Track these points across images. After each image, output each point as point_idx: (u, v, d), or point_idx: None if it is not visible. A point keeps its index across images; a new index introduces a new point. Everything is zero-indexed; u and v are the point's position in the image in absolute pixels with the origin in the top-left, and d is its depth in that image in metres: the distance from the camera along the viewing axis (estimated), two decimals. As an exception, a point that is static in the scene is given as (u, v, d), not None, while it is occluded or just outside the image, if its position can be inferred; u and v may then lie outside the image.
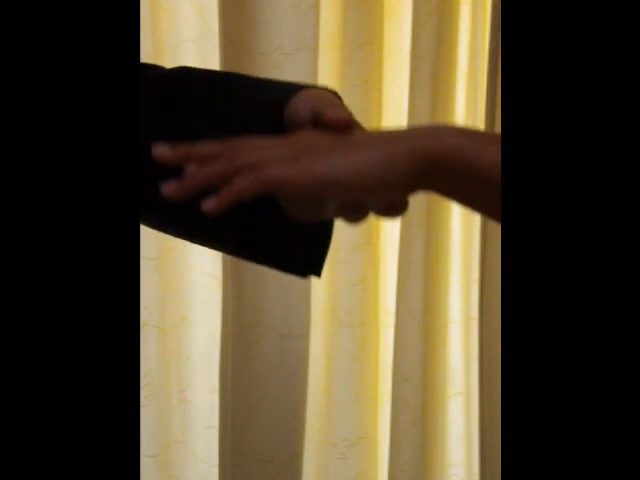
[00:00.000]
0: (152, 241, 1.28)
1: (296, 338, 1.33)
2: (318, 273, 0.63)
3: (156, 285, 1.30)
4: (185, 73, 0.63)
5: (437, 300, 1.47)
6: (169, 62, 1.27)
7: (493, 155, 0.48)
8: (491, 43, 1.41)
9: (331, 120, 0.55)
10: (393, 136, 0.53)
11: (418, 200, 1.42)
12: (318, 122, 0.55)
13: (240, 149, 0.52)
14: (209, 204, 0.50)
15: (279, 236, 0.60)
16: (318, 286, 1.38)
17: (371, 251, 1.41)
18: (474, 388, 1.51)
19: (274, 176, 0.50)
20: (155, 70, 0.64)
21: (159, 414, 1.33)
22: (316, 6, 1.27)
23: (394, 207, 0.55)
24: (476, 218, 1.49)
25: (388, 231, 1.44)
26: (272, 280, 1.30)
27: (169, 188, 0.50)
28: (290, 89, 0.59)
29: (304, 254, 0.62)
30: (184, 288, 1.33)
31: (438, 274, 1.46)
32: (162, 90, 0.60)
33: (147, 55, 1.24)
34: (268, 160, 0.51)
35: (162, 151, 0.51)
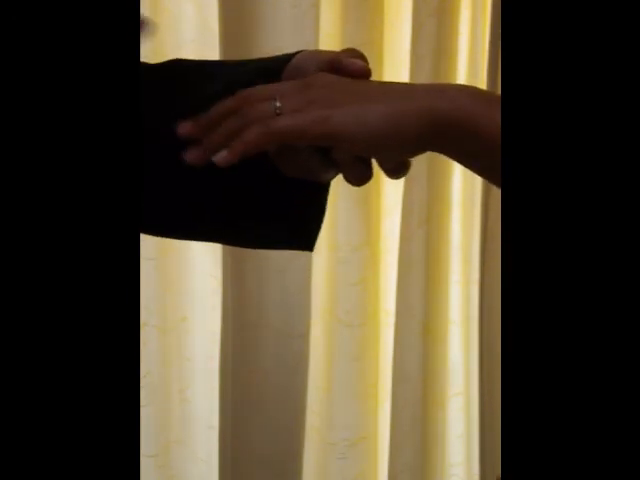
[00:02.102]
0: (152, 241, 1.28)
1: (296, 338, 1.33)
2: (311, 247, 0.62)
3: (156, 285, 1.30)
4: (178, 64, 0.63)
5: (437, 300, 1.47)
6: (169, 62, 1.27)
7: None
8: (491, 43, 1.41)
9: (349, 68, 0.54)
10: (407, 91, 0.53)
11: (418, 200, 1.42)
12: (335, 70, 0.55)
13: (252, 99, 0.52)
14: (221, 156, 0.50)
15: (271, 213, 0.60)
16: (318, 286, 1.38)
17: (371, 251, 1.41)
18: (474, 388, 1.51)
19: (284, 126, 0.50)
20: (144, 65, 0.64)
21: (159, 414, 1.33)
22: (316, 6, 1.27)
23: (401, 166, 0.55)
24: (476, 218, 1.49)
25: (388, 231, 1.44)
26: (272, 280, 1.30)
27: (190, 155, 0.51)
28: (289, 55, 0.59)
29: (298, 228, 0.61)
30: (184, 288, 1.33)
31: (438, 274, 1.46)
32: (158, 82, 0.60)
33: (147, 55, 1.23)
34: (280, 108, 0.51)
35: (185, 128, 0.53)
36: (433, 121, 0.50)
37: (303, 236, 0.62)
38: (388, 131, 0.51)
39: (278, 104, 0.51)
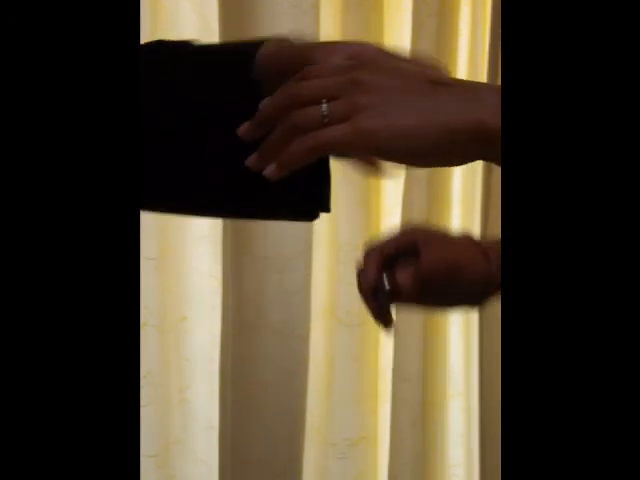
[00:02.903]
0: (152, 241, 1.28)
1: (296, 338, 1.33)
2: (327, 209, 0.62)
3: (156, 285, 1.30)
4: (159, 46, 0.64)
5: (437, 300, 1.47)
6: (169, 62, 1.27)
7: None
8: (491, 43, 1.41)
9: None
10: (458, 101, 0.51)
11: (418, 200, 1.42)
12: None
13: (300, 99, 0.52)
14: (269, 170, 0.52)
15: (278, 187, 0.60)
16: (318, 286, 1.38)
17: (371, 251, 1.41)
18: (474, 388, 1.51)
19: (332, 138, 0.50)
20: None
21: (159, 414, 1.33)
22: (316, 6, 1.27)
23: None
24: (476, 218, 1.49)
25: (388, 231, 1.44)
26: (272, 280, 1.30)
27: (250, 162, 0.54)
28: (259, 41, 0.59)
29: (299, 196, 0.61)
30: (184, 288, 1.33)
31: (438, 274, 1.46)
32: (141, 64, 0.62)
33: (147, 55, 1.23)
34: (327, 116, 0.51)
35: (242, 131, 0.54)
36: (483, 137, 0.49)
37: (305, 203, 0.62)
38: (435, 150, 0.50)
39: (325, 111, 0.51)
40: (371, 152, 0.51)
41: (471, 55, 1.44)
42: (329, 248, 1.39)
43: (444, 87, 0.51)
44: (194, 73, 0.59)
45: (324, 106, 0.51)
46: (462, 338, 1.51)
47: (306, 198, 0.62)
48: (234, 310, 1.31)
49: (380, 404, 1.47)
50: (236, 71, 0.58)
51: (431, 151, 0.50)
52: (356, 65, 0.53)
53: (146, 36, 1.22)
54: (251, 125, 0.54)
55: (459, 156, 0.51)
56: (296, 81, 0.53)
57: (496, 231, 1.46)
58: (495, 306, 1.50)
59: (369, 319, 1.43)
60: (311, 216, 0.63)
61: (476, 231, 1.50)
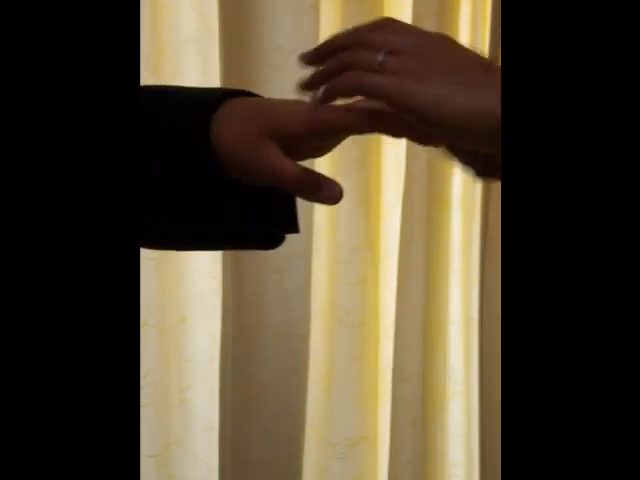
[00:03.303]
0: (152, 241, 1.28)
1: (296, 338, 1.33)
2: (296, 230, 0.63)
3: (156, 285, 1.30)
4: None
5: (437, 300, 1.47)
6: (169, 62, 1.27)
7: None
8: (491, 44, 1.41)
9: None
10: (494, 81, 0.52)
11: (418, 200, 1.42)
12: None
13: (365, 42, 0.55)
14: (316, 97, 0.55)
15: (239, 218, 0.60)
16: (318, 286, 1.38)
17: (371, 251, 1.41)
18: (474, 388, 1.51)
19: (375, 85, 0.52)
20: None
21: (159, 414, 1.33)
22: (316, 6, 1.27)
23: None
24: (476, 218, 1.49)
25: (388, 231, 1.44)
26: (272, 280, 1.30)
27: (303, 84, 0.58)
28: (221, 94, 0.59)
29: (260, 232, 0.62)
30: (184, 288, 1.33)
31: (438, 274, 1.46)
32: None
33: (147, 55, 1.24)
34: (381, 64, 0.53)
35: (304, 56, 0.59)
36: None
37: (266, 239, 0.62)
38: (463, 124, 0.51)
39: (381, 58, 0.53)
40: (403, 111, 0.52)
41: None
42: (329, 248, 1.39)
43: (496, 73, 0.52)
44: (148, 121, 0.58)
45: (382, 55, 0.53)
46: (462, 338, 1.52)
47: (268, 225, 0.62)
48: (234, 310, 1.31)
49: (380, 404, 1.47)
50: (190, 142, 0.57)
51: (459, 126, 0.51)
52: (425, 40, 0.55)
53: (146, 36, 1.23)
54: (313, 52, 0.59)
55: (485, 137, 0.51)
56: (368, 29, 0.57)
57: (496, 231, 1.47)
58: (495, 306, 1.50)
59: (369, 319, 1.43)
60: (278, 241, 0.63)
61: (476, 231, 1.50)
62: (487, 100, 0.50)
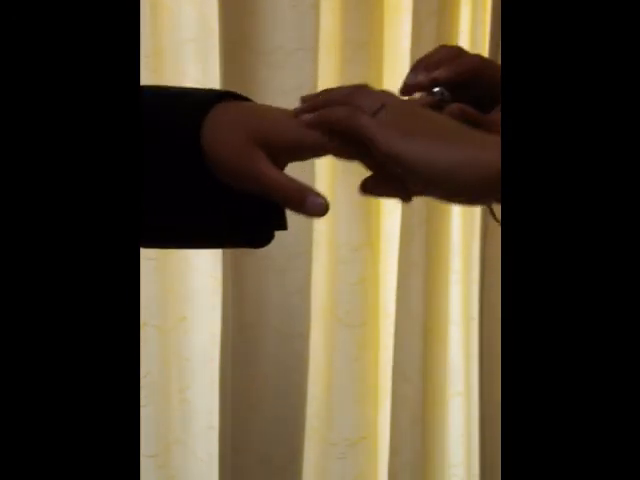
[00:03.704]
0: (152, 241, 1.28)
1: (296, 338, 1.33)
2: (284, 227, 0.64)
3: (156, 285, 1.30)
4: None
5: (437, 300, 1.47)
6: (169, 62, 1.27)
7: None
8: (491, 43, 1.41)
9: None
10: (478, 138, 0.53)
11: (418, 200, 1.42)
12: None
13: (364, 95, 0.57)
14: (306, 117, 0.57)
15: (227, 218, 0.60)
16: (318, 286, 1.38)
17: (371, 251, 1.41)
18: (474, 388, 1.51)
19: (365, 127, 0.54)
20: None
21: (159, 414, 1.33)
22: (316, 6, 1.27)
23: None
24: (476, 218, 1.49)
25: (388, 231, 1.44)
26: (272, 280, 1.30)
27: (300, 107, 0.58)
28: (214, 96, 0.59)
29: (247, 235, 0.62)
30: (184, 288, 1.33)
31: (438, 274, 1.46)
32: None
33: (147, 55, 1.24)
34: (378, 112, 0.55)
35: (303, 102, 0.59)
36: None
37: (255, 238, 0.63)
38: (443, 176, 0.52)
39: (378, 106, 0.55)
40: (390, 159, 0.53)
41: (471, 55, 1.44)
42: (329, 248, 1.39)
43: (473, 134, 0.54)
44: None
45: (379, 105, 0.55)
46: (462, 338, 1.51)
47: (257, 223, 0.63)
48: (234, 310, 1.31)
49: (380, 404, 1.47)
50: (181, 145, 0.58)
51: (446, 179, 0.52)
52: (405, 102, 0.58)
53: (146, 36, 1.23)
54: (310, 103, 0.59)
55: (468, 193, 0.52)
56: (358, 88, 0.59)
57: (496, 232, 1.47)
58: (495, 305, 1.50)
59: (369, 319, 1.43)
60: (266, 240, 0.63)
61: (476, 231, 1.50)
62: (467, 155, 0.51)
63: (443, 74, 0.63)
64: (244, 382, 1.33)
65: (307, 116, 0.57)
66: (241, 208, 0.61)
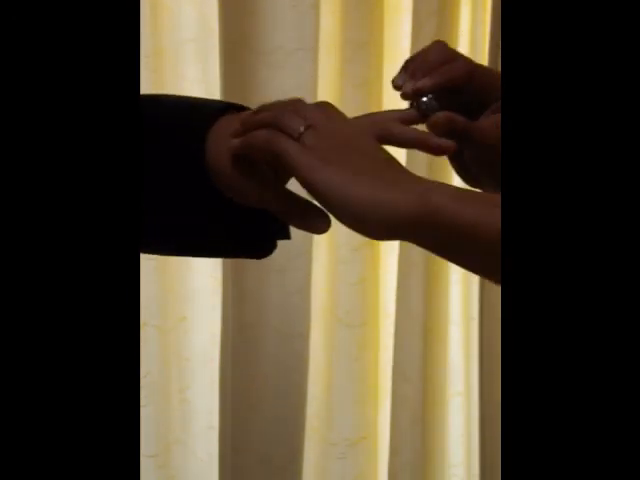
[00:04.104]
0: (152, 241, 1.28)
1: (296, 338, 1.33)
2: (262, 256, 0.63)
3: (156, 285, 1.30)
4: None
5: (437, 300, 1.47)
6: (169, 62, 1.27)
7: (473, 214, 0.47)
8: (491, 43, 1.41)
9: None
10: (400, 177, 0.52)
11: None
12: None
13: (291, 109, 0.54)
14: (232, 144, 0.55)
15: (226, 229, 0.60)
16: (318, 286, 1.38)
17: (371, 251, 1.41)
18: (474, 388, 1.51)
19: (285, 151, 0.52)
20: None
21: (159, 414, 1.33)
22: (316, 6, 1.27)
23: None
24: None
25: (388, 231, 1.44)
26: (272, 280, 1.30)
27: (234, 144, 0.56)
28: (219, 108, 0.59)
29: (247, 244, 0.62)
30: (184, 288, 1.33)
31: (438, 274, 1.46)
32: None
33: (147, 55, 1.24)
34: (301, 135, 0.52)
35: (233, 141, 0.56)
36: (434, 223, 0.49)
37: (258, 249, 0.62)
38: (360, 213, 0.51)
39: (302, 129, 0.52)
40: (307, 187, 0.52)
41: (471, 55, 1.43)
42: (329, 248, 1.39)
43: (404, 173, 0.52)
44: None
45: (303, 126, 0.52)
46: (462, 338, 1.51)
47: (260, 233, 0.62)
48: (234, 310, 1.31)
49: (380, 404, 1.47)
50: (185, 157, 0.58)
51: (360, 214, 0.51)
52: (342, 126, 0.55)
53: (146, 36, 1.22)
54: (242, 126, 0.56)
55: (380, 231, 0.51)
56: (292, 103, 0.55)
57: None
58: (495, 305, 1.50)
59: (369, 319, 1.43)
60: (268, 250, 0.63)
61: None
62: (391, 197, 0.49)
63: (428, 84, 0.61)
64: (244, 382, 1.33)
65: (235, 141, 0.55)
66: (244, 219, 0.60)
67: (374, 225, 0.51)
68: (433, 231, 0.49)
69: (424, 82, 0.61)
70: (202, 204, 0.58)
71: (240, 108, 0.61)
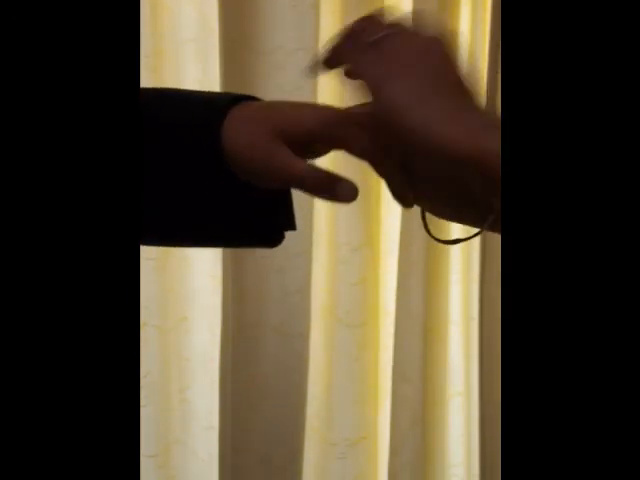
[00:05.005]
0: (152, 241, 1.28)
1: (296, 338, 1.33)
2: (274, 244, 0.63)
3: (156, 285, 1.30)
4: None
5: (437, 300, 1.47)
6: (169, 62, 1.27)
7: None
8: (491, 43, 1.41)
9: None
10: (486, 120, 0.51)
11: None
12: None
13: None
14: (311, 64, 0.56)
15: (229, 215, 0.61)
16: (318, 286, 1.38)
17: (371, 251, 1.41)
18: (474, 388, 1.51)
19: (354, 61, 0.52)
20: None
21: (159, 414, 1.33)
22: (316, 6, 1.27)
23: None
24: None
25: (388, 231, 1.44)
26: (272, 280, 1.30)
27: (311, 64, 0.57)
28: (233, 98, 0.59)
29: (257, 227, 0.62)
30: (184, 288, 1.33)
31: (438, 274, 1.46)
32: None
33: (147, 55, 1.24)
34: (379, 42, 0.52)
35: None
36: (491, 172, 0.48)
37: (268, 238, 0.63)
38: (418, 136, 0.50)
39: (381, 36, 0.51)
40: (380, 111, 0.51)
41: (471, 55, 1.44)
42: (329, 248, 1.40)
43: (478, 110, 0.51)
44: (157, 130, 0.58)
45: (382, 33, 0.52)
46: (462, 338, 1.51)
47: (271, 223, 0.63)
48: (234, 310, 1.31)
49: (380, 404, 1.47)
50: (200, 147, 0.58)
51: (418, 143, 0.50)
52: (427, 45, 0.53)
53: (146, 36, 1.23)
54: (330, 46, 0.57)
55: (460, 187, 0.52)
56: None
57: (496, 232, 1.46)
58: (495, 306, 1.50)
59: (369, 319, 1.43)
60: (278, 240, 0.63)
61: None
62: (448, 130, 0.49)
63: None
64: (244, 382, 1.33)
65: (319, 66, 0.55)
66: (254, 208, 0.61)
67: (439, 151, 0.49)
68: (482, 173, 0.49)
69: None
70: (215, 192, 0.58)
71: (248, 98, 0.61)
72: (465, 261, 1.50)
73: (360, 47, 0.52)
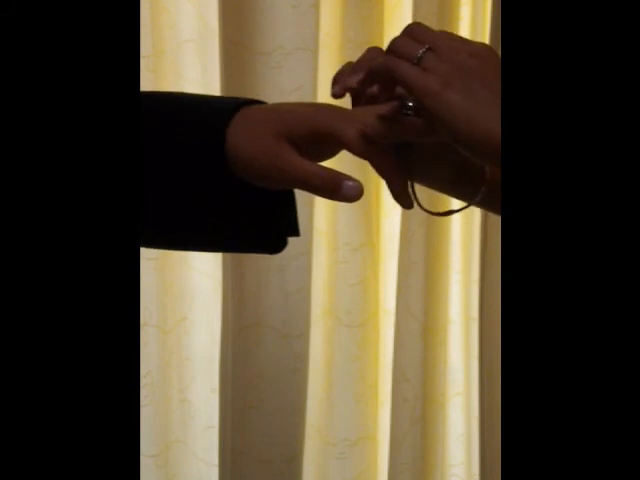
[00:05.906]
0: (152, 241, 1.28)
1: (296, 338, 1.33)
2: (277, 250, 0.64)
3: (156, 285, 1.30)
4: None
5: (437, 300, 1.47)
6: (169, 62, 1.27)
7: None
8: (491, 43, 1.41)
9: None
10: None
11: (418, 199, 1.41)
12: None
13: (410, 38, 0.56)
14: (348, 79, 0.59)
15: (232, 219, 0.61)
16: (318, 286, 1.38)
17: (371, 251, 1.41)
18: (474, 388, 1.51)
19: (400, 73, 0.54)
20: None
21: (159, 414, 1.33)
22: (316, 6, 1.26)
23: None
24: (476, 218, 1.49)
25: (388, 231, 1.44)
26: (272, 280, 1.30)
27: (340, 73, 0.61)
28: (240, 101, 0.59)
29: (260, 233, 0.62)
30: (184, 288, 1.33)
31: (438, 274, 1.46)
32: None
33: (147, 55, 1.24)
34: (420, 60, 0.54)
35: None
36: None
37: (270, 244, 0.63)
38: (473, 139, 0.51)
39: (421, 52, 0.54)
40: (432, 116, 0.52)
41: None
42: (329, 248, 1.39)
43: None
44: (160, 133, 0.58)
45: (422, 50, 0.54)
46: (462, 338, 1.51)
47: (273, 230, 0.63)
48: (234, 310, 1.31)
49: (380, 404, 1.47)
50: (205, 151, 0.58)
51: (475, 146, 0.51)
52: (470, 49, 0.54)
53: (146, 36, 1.22)
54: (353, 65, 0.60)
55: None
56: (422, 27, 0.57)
57: (496, 232, 1.46)
58: (495, 306, 1.50)
59: (369, 319, 1.43)
60: (281, 245, 0.63)
61: (476, 231, 1.50)
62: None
63: (355, 79, 0.61)
64: (244, 382, 1.33)
65: (351, 78, 0.57)
66: (258, 213, 0.61)
67: (494, 157, 0.50)
68: None
69: (352, 78, 0.61)
70: (219, 196, 0.58)
71: (253, 102, 0.61)
72: (465, 261, 1.50)
73: (404, 64, 0.54)
